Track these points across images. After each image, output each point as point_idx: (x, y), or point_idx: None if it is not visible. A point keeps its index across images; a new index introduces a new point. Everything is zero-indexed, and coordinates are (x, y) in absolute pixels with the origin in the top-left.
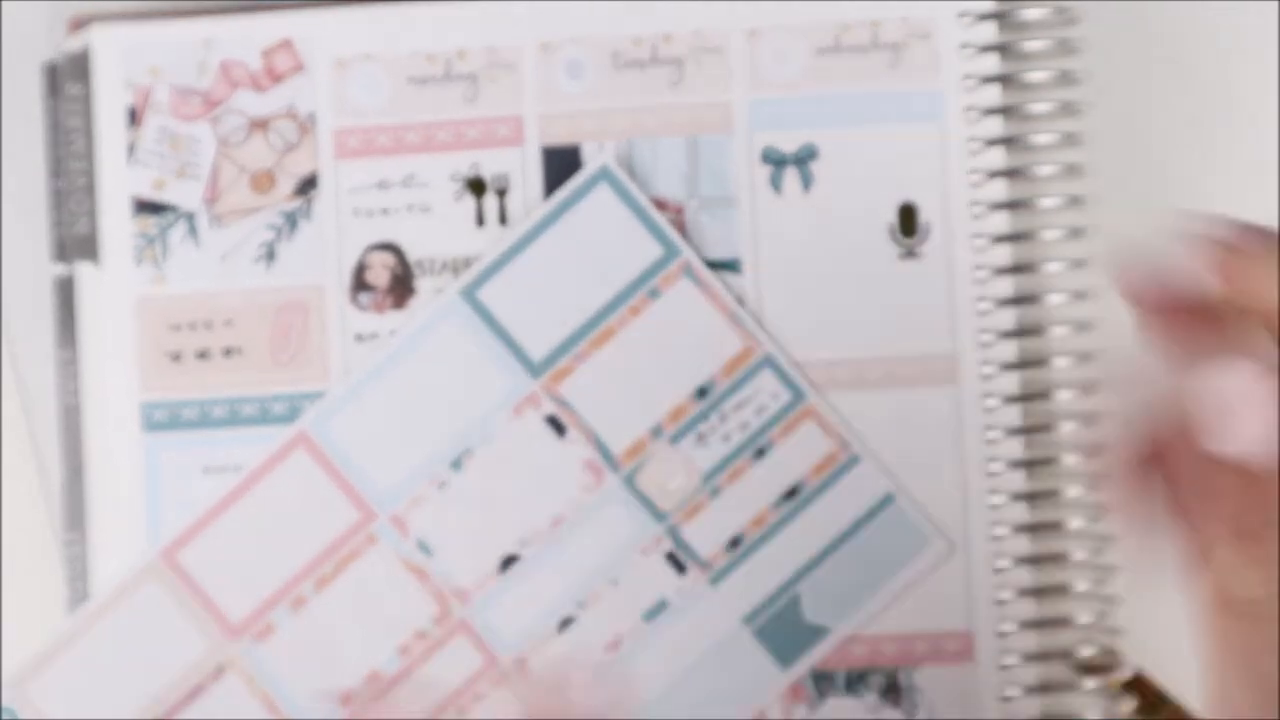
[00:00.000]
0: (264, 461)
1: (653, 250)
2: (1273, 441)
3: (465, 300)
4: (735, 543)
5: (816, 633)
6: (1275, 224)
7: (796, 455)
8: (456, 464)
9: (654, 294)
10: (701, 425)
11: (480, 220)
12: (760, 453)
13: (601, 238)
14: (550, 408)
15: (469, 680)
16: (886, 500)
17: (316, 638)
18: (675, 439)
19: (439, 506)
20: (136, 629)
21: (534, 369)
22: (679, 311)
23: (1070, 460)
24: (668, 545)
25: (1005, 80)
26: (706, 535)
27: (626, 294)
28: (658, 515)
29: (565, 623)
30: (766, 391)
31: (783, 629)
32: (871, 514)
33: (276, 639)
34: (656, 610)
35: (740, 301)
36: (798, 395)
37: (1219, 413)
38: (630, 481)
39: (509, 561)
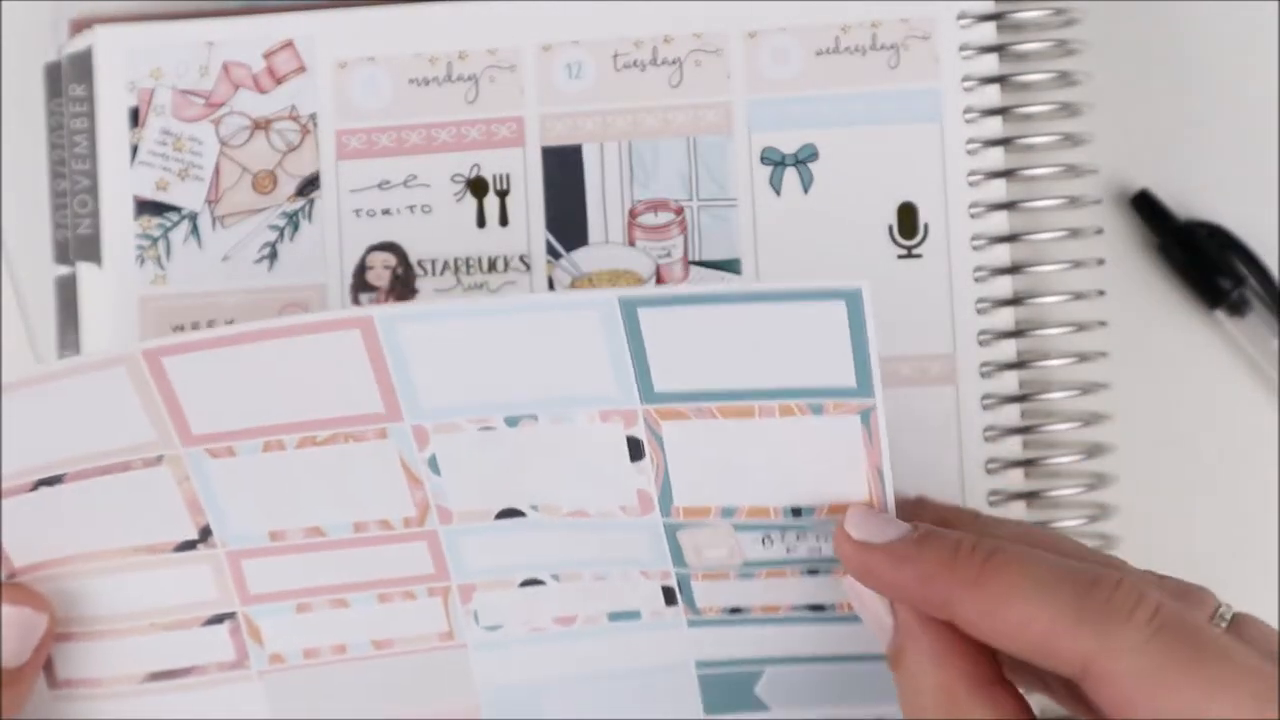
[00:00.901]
0: (312, 322)
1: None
2: None
3: (621, 304)
4: (735, 611)
5: (756, 705)
6: (1275, 225)
7: (843, 590)
8: (512, 421)
9: (817, 410)
10: (774, 533)
11: (481, 221)
12: (812, 572)
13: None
14: (639, 432)
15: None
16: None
17: (276, 476)
18: (741, 529)
19: (470, 441)
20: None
21: (650, 395)
22: (834, 437)
23: (1068, 458)
24: (671, 583)
25: (1004, 81)
26: (713, 595)
27: (786, 395)
28: (679, 560)
29: (529, 581)
30: None
31: (727, 686)
32: (870, 659)
33: (232, 460)
34: (625, 615)
35: None
36: None
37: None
38: (672, 529)
39: (508, 514)
